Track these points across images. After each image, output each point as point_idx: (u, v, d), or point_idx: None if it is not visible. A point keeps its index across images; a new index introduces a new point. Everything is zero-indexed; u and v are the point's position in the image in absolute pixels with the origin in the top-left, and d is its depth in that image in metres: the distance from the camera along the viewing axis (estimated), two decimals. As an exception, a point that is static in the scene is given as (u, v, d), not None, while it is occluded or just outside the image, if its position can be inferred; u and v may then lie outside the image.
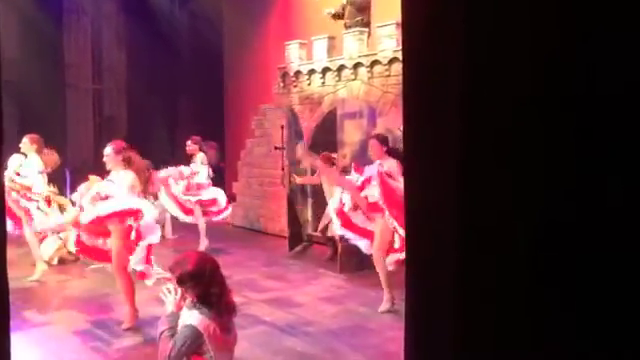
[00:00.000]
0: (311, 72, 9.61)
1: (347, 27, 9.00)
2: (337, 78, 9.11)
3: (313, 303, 6.19)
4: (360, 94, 8.69)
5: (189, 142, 9.00)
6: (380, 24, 8.37)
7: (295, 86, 9.98)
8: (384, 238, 5.81)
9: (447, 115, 1.43)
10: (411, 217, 1.59)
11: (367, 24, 8.94)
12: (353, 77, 8.82)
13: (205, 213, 8.79)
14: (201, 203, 8.74)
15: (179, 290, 3.02)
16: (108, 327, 5.40)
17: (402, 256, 5.59)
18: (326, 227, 7.90)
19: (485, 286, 1.38)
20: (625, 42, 1.25)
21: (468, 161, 1.38)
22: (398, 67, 7.97)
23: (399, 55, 7.87)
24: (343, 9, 9.12)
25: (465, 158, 1.38)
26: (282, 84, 10.27)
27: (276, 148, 10.09)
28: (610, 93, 1.27)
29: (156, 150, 10.09)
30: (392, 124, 7.69)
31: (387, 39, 8.19)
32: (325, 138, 8.70)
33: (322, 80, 9.42)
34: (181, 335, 2.89)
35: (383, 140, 6.01)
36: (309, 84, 9.69)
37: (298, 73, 9.86)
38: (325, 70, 9.32)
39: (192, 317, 2.92)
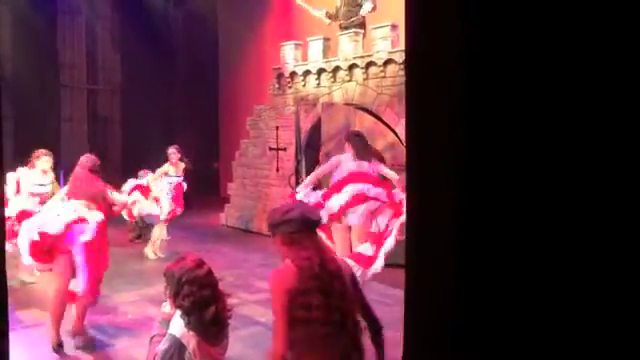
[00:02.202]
0: (306, 73, 9.62)
1: (343, 28, 9.03)
2: (332, 79, 9.12)
3: (307, 304, 6.17)
4: (355, 95, 8.70)
5: (174, 150, 8.60)
6: (375, 26, 8.38)
7: (290, 87, 9.98)
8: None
9: (449, 115, 1.43)
10: (411, 217, 1.59)
11: (362, 25, 8.97)
12: (348, 78, 8.83)
13: None
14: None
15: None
16: (102, 328, 5.38)
17: None
18: None
19: (485, 287, 1.38)
20: (625, 40, 1.25)
21: (469, 161, 1.38)
22: (393, 68, 7.98)
23: (394, 56, 7.88)
24: (337, 10, 9.17)
25: (466, 158, 1.38)
26: (277, 85, 10.27)
27: (271, 149, 10.09)
28: (610, 91, 1.27)
29: (150, 150, 10.06)
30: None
31: (382, 41, 8.20)
32: (320, 139, 8.70)
33: (317, 81, 9.42)
34: (165, 345, 2.66)
35: (348, 137, 5.91)
36: (304, 85, 9.70)
37: (293, 74, 9.87)
38: (320, 71, 9.32)
39: (176, 326, 2.69)
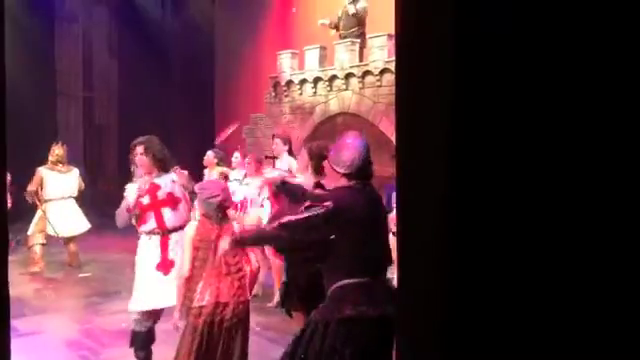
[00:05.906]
0: (303, 82, 9.65)
1: (342, 37, 9.07)
2: (328, 88, 9.15)
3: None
4: (351, 104, 8.72)
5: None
6: (372, 35, 8.43)
7: (286, 96, 10.01)
8: None
9: (439, 122, 1.45)
10: (403, 220, 1.60)
11: (362, 35, 9.01)
12: (345, 87, 8.86)
13: None
14: None
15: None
16: (97, 336, 5.35)
17: None
18: None
19: (478, 288, 1.39)
20: (623, 39, 1.26)
21: (460, 166, 1.39)
22: (389, 77, 8.01)
23: (390, 66, 7.92)
24: (339, 20, 9.21)
25: (457, 163, 1.40)
26: (274, 93, 10.30)
27: (267, 157, 10.09)
28: (605, 92, 1.29)
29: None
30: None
31: (378, 50, 8.24)
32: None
33: (314, 90, 9.45)
34: None
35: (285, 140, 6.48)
36: (300, 94, 9.73)
37: (290, 83, 9.90)
38: (317, 80, 9.35)
39: None
